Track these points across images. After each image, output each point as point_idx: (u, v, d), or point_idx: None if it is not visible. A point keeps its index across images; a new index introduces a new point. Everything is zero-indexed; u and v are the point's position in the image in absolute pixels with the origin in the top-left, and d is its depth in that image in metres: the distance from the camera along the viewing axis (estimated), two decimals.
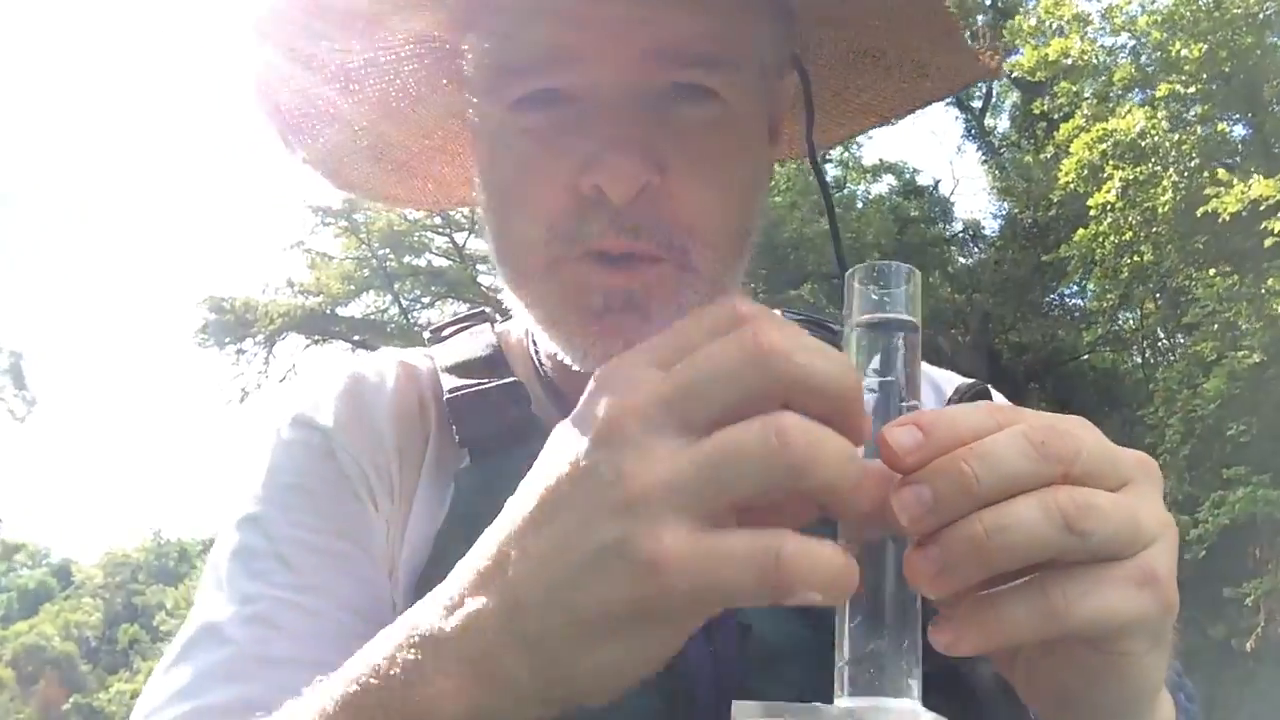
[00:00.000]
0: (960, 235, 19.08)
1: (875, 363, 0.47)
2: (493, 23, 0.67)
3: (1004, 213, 18.25)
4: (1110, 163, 10.94)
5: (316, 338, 19.43)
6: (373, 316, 19.89)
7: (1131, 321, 16.14)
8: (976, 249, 18.97)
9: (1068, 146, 11.92)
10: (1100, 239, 11.69)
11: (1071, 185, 11.70)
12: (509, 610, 0.43)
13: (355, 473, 0.72)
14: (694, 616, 0.42)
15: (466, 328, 0.83)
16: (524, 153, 0.67)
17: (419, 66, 0.78)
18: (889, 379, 0.47)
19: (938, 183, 19.84)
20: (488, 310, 0.86)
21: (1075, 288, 17.85)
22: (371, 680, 0.47)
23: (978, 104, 20.25)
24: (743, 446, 0.40)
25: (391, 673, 0.46)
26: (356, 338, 19.70)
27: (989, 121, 20.26)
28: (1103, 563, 0.44)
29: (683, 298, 0.67)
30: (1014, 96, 19.83)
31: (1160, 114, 10.72)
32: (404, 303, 19.81)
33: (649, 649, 0.43)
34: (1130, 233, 11.48)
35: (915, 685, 0.44)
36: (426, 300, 20.19)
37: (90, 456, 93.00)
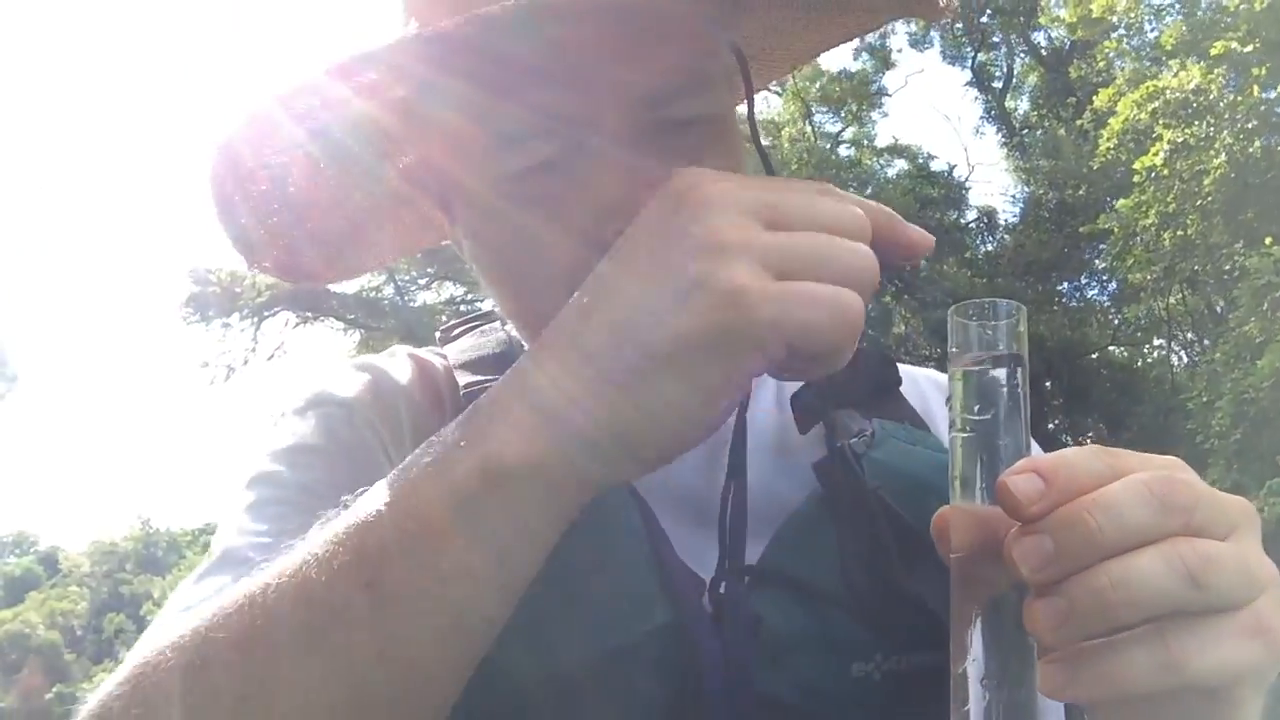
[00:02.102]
0: (975, 223, 18.49)
1: (980, 401, 0.47)
2: (472, 88, 0.65)
3: (1024, 196, 17.68)
4: (1161, 121, 10.24)
5: (307, 315, 18.77)
6: (367, 295, 19.22)
7: (1160, 309, 15.53)
8: (991, 238, 18.40)
9: (1108, 113, 11.26)
10: (1143, 208, 11.00)
11: (1112, 152, 11.03)
12: (581, 357, 0.45)
13: (375, 439, 0.71)
14: (765, 348, 0.44)
15: (476, 327, 0.83)
16: (529, 220, 0.66)
17: (367, 140, 0.77)
18: (993, 417, 0.47)
19: (953, 167, 19.23)
20: (495, 311, 0.82)
21: (1097, 280, 17.35)
22: (436, 446, 0.48)
23: (998, 85, 19.68)
24: (830, 248, 0.44)
25: (456, 437, 0.48)
26: (351, 316, 19.07)
27: (1009, 103, 19.69)
28: (1219, 613, 0.44)
29: None
30: (1034, 77, 19.28)
31: (1216, 71, 10.00)
32: (399, 282, 19.16)
33: (713, 383, 0.44)
34: (1174, 203, 10.79)
35: None
36: (423, 282, 19.62)
37: (77, 439, 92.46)
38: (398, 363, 0.78)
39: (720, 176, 0.47)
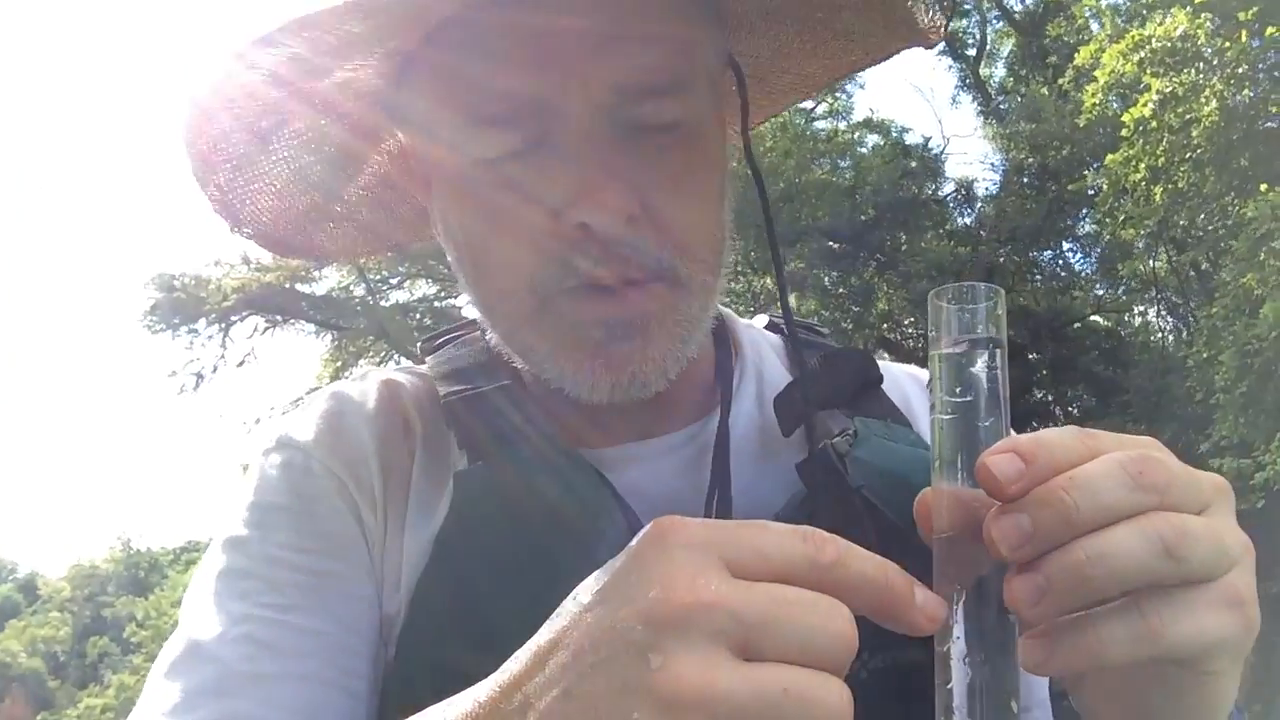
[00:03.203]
0: (954, 195, 18.25)
1: (960, 384, 0.47)
2: (447, 70, 0.66)
3: (1004, 163, 17.42)
4: (1148, 71, 9.96)
5: (276, 318, 18.26)
6: (337, 295, 18.73)
7: (1148, 271, 15.35)
8: (969, 209, 18.16)
9: (1091, 69, 10.99)
10: (1132, 163, 10.72)
11: (1098, 108, 10.73)
12: None
13: (334, 486, 0.72)
14: None
15: (458, 337, 0.84)
16: (497, 203, 0.67)
17: (350, 121, 0.78)
18: (974, 400, 0.47)
19: (928, 140, 18.95)
20: (478, 320, 0.82)
21: (1080, 246, 17.17)
22: None
23: (972, 53, 19.44)
24: (804, 698, 0.40)
25: None
26: (321, 317, 18.59)
27: (984, 70, 19.44)
28: (1194, 585, 0.46)
29: (679, 313, 0.68)
30: (1009, 42, 19.04)
31: (1203, 16, 9.73)
32: (370, 281, 18.69)
33: None
34: (1164, 156, 10.52)
35: (1017, 710, 0.45)
36: (395, 280, 19.18)
37: (52, 461, 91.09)
38: (365, 388, 0.78)
39: (707, 566, 0.41)
